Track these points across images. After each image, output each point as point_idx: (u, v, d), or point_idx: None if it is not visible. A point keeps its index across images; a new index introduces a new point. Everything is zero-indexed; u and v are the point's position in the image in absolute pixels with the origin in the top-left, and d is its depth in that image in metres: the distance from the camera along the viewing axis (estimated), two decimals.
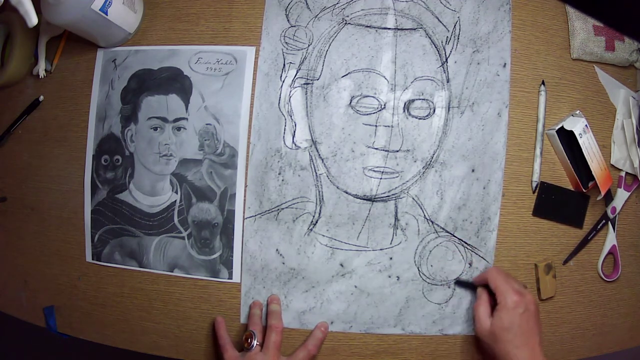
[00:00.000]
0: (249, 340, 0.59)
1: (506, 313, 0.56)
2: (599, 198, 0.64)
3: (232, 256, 0.64)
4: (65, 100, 0.69)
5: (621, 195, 0.67)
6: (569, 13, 0.65)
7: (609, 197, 0.66)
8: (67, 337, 0.69)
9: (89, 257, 0.68)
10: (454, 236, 0.63)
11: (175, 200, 0.65)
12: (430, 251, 0.62)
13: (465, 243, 0.63)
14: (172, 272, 0.65)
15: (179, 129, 0.65)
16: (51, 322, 0.69)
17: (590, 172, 0.61)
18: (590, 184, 0.63)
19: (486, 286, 0.60)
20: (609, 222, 0.66)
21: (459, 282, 0.63)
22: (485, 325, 0.57)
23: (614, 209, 0.66)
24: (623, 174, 0.67)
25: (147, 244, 0.65)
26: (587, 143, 0.60)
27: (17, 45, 0.68)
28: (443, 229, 0.62)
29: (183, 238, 0.65)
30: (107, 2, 0.58)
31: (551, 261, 0.64)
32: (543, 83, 0.64)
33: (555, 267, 0.64)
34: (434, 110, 0.62)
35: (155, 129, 0.65)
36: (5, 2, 0.53)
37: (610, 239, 0.66)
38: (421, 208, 0.62)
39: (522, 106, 0.63)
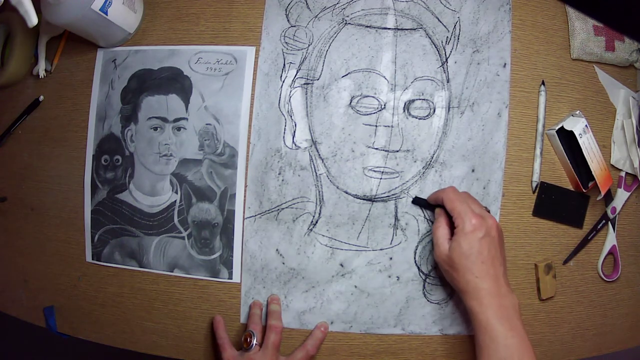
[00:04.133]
0: (248, 340, 0.59)
1: (464, 237, 0.51)
2: (599, 198, 0.64)
3: (232, 256, 0.64)
4: (65, 100, 0.69)
5: (621, 196, 0.67)
6: (569, 13, 0.65)
7: (609, 197, 0.66)
8: (67, 337, 0.69)
9: (89, 257, 0.68)
10: None
11: (175, 200, 0.65)
12: (430, 251, 0.62)
13: None
14: (172, 272, 0.65)
15: (179, 129, 0.65)
16: (51, 322, 0.69)
17: (590, 172, 0.61)
18: (590, 184, 0.63)
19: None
20: (609, 222, 0.66)
21: (416, 200, 0.61)
22: (444, 249, 0.53)
23: (614, 209, 0.66)
24: (623, 174, 0.67)
25: (147, 244, 0.65)
26: (587, 143, 0.60)
27: (17, 45, 0.68)
28: None
29: (183, 238, 0.65)
30: (107, 2, 0.58)
31: (551, 261, 0.64)
32: (543, 83, 0.64)
33: (555, 267, 0.64)
34: (434, 110, 0.62)
35: (155, 129, 0.65)
36: (5, 2, 0.53)
37: (610, 239, 0.66)
38: (421, 208, 0.62)
39: (522, 106, 0.63)
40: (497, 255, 0.52)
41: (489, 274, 0.51)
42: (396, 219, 0.62)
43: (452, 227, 0.55)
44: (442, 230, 0.55)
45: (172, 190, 0.65)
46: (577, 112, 0.63)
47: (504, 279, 0.52)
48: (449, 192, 0.56)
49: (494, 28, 0.63)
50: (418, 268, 0.63)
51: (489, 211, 0.57)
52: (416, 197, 0.62)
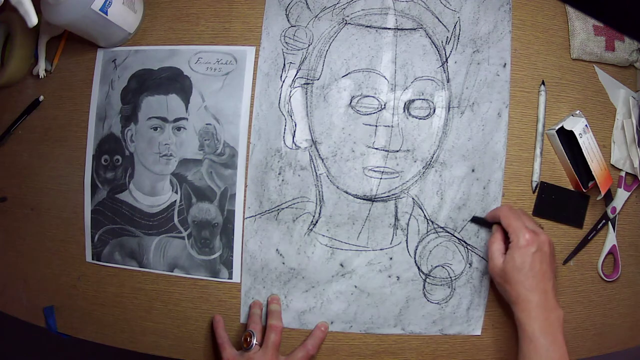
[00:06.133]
0: (248, 340, 0.59)
1: (518, 252, 0.54)
2: (599, 198, 0.64)
3: (232, 256, 0.64)
4: (65, 100, 0.69)
5: (621, 195, 0.66)
6: (569, 13, 0.65)
7: (609, 197, 0.66)
8: (67, 337, 0.69)
9: (89, 257, 0.68)
10: (454, 236, 0.63)
11: (175, 200, 0.65)
12: (430, 251, 0.62)
13: (466, 243, 0.63)
14: (172, 272, 0.65)
15: (179, 129, 0.65)
16: (51, 322, 0.69)
17: (590, 172, 0.61)
18: (590, 184, 0.63)
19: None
20: (609, 222, 0.66)
21: (475, 219, 0.62)
22: (498, 262, 0.56)
23: (614, 209, 0.66)
24: (623, 174, 0.67)
25: (147, 244, 0.65)
26: (587, 143, 0.60)
27: (17, 45, 0.68)
28: (443, 228, 0.62)
29: (183, 238, 0.65)
30: (107, 2, 0.58)
31: None
32: (543, 83, 0.64)
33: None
34: (434, 110, 0.62)
35: (155, 129, 0.65)
36: (5, 2, 0.53)
37: (610, 239, 0.66)
38: (421, 208, 0.62)
39: (522, 106, 0.63)
40: (548, 269, 0.55)
41: (539, 287, 0.53)
42: (396, 219, 0.62)
43: (506, 243, 0.57)
44: (497, 245, 0.57)
45: (172, 190, 0.65)
46: (577, 112, 0.63)
47: (553, 292, 0.54)
48: (505, 210, 0.58)
49: (494, 28, 0.63)
50: (418, 268, 0.63)
51: (542, 228, 0.59)
52: (475, 216, 0.62)
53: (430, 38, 0.62)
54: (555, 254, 0.57)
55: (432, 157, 0.62)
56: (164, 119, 0.65)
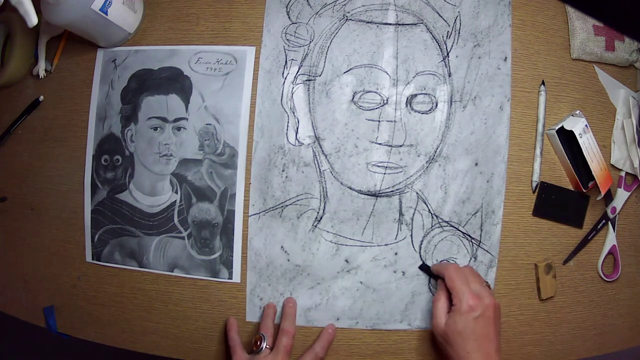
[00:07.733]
0: (258, 343, 0.59)
1: (460, 317, 0.54)
2: (599, 198, 0.64)
3: (232, 256, 0.64)
4: (65, 100, 0.69)
5: (621, 195, 0.67)
6: (569, 13, 0.65)
7: (609, 197, 0.66)
8: (67, 337, 0.69)
9: (89, 257, 0.68)
10: (459, 230, 0.62)
11: (175, 200, 0.65)
12: (435, 245, 0.62)
13: (470, 237, 0.63)
14: (172, 272, 0.65)
15: (179, 129, 0.65)
16: (51, 322, 0.69)
17: (590, 172, 0.61)
18: (590, 184, 0.63)
19: None
20: (609, 222, 0.66)
21: (423, 267, 0.62)
22: (440, 322, 0.56)
23: (614, 209, 0.66)
24: (623, 174, 0.67)
25: (147, 244, 0.65)
26: (587, 143, 0.60)
27: (17, 45, 0.68)
28: (447, 223, 0.62)
29: (183, 238, 0.65)
30: (107, 2, 0.58)
31: (551, 261, 0.64)
32: (543, 83, 0.64)
33: (555, 267, 0.64)
34: (437, 105, 0.62)
35: (155, 129, 0.65)
36: (5, 2, 0.53)
37: (610, 239, 0.66)
38: (425, 202, 0.62)
39: (522, 106, 0.63)
40: (490, 332, 0.54)
41: (480, 350, 0.53)
42: (401, 213, 0.62)
43: (451, 300, 0.57)
44: (442, 303, 0.57)
45: (172, 190, 0.65)
46: (577, 112, 0.63)
47: (496, 354, 0.54)
48: (451, 270, 0.57)
49: (494, 22, 0.63)
50: (423, 263, 0.63)
51: (489, 286, 0.59)
52: (423, 263, 0.62)
53: (431, 33, 0.62)
54: (500, 315, 0.56)
55: (436, 152, 0.62)
56: (164, 119, 0.65)
